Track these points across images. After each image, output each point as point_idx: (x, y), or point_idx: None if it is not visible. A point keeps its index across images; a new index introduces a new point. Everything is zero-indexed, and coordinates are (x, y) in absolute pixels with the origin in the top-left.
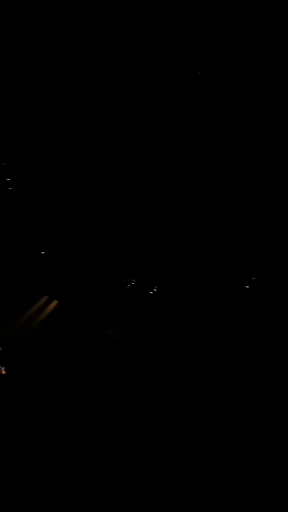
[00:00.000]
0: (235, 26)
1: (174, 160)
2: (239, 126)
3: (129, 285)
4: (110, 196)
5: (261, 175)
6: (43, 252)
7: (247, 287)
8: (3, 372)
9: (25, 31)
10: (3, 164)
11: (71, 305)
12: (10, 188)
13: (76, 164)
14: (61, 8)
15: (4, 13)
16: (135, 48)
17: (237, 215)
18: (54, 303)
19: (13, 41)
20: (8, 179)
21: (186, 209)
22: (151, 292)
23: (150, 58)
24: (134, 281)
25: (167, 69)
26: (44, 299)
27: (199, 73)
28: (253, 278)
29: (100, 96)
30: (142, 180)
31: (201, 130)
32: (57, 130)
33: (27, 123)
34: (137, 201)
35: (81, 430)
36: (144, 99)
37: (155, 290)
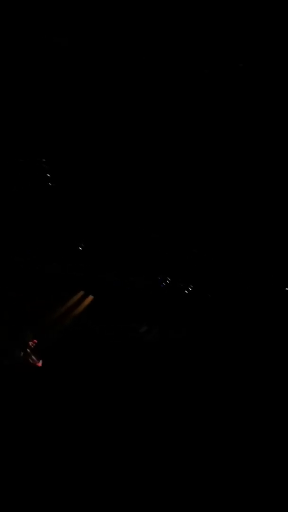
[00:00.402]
0: (235, 26)
1: (174, 160)
2: (239, 126)
3: (164, 283)
4: (111, 195)
5: (262, 175)
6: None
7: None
8: (39, 364)
9: (25, 31)
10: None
11: (105, 302)
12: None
13: (75, 164)
14: (61, 8)
15: (4, 13)
16: (135, 48)
17: (237, 215)
18: (90, 298)
19: (13, 41)
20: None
21: (187, 209)
22: (186, 291)
23: (150, 58)
24: (168, 280)
25: (167, 69)
26: (79, 294)
27: (201, 73)
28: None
29: (100, 96)
30: (143, 180)
31: (201, 130)
32: (57, 129)
33: (27, 122)
34: (137, 201)
35: (108, 427)
36: (144, 99)
37: (190, 289)
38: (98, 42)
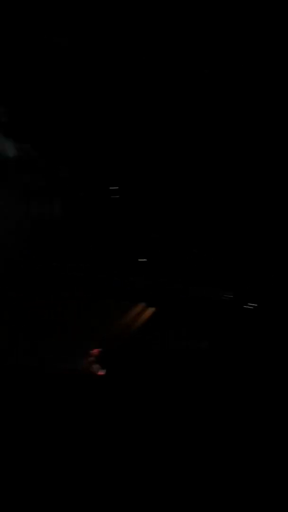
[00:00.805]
0: (235, 26)
1: (174, 160)
2: (239, 126)
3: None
4: (111, 195)
5: (262, 174)
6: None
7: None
8: (101, 373)
9: (25, 31)
10: None
11: (165, 315)
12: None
13: (75, 162)
14: (61, 8)
15: (4, 13)
16: (135, 48)
17: (237, 215)
18: (151, 311)
19: (13, 41)
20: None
21: (187, 209)
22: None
23: (150, 58)
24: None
25: (167, 69)
26: (140, 306)
27: (203, 72)
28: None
29: (100, 96)
30: (143, 180)
31: (201, 129)
32: (57, 129)
33: (27, 122)
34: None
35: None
36: (144, 99)
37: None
38: (98, 42)
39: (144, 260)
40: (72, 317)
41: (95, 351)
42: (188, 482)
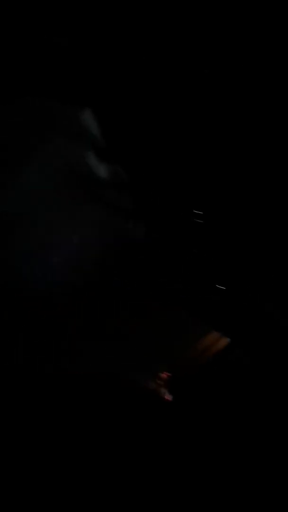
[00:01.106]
0: (235, 26)
1: (174, 160)
2: (239, 126)
3: None
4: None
5: (262, 176)
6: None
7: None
8: (168, 398)
9: (25, 31)
10: None
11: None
12: None
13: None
14: (61, 8)
15: (3, 13)
16: (135, 48)
17: (238, 215)
18: (225, 341)
19: (12, 41)
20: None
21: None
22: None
23: (150, 58)
24: None
25: (167, 69)
26: (214, 335)
27: (201, 73)
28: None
29: (100, 96)
30: (142, 180)
31: (201, 130)
32: (56, 128)
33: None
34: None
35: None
36: (144, 99)
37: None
38: (98, 42)
39: (223, 288)
40: (147, 335)
41: (165, 375)
42: None
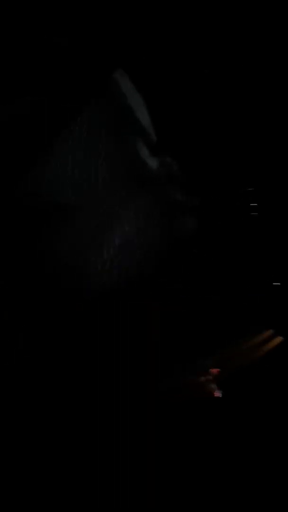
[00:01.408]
0: (235, 26)
1: (173, 160)
2: (239, 126)
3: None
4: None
5: (262, 176)
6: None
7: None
8: (217, 394)
9: (25, 31)
10: None
11: None
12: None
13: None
14: (61, 8)
15: (3, 12)
16: (135, 48)
17: (238, 215)
18: (279, 339)
19: (12, 41)
20: None
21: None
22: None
23: (150, 58)
24: None
25: (167, 69)
26: (267, 333)
27: (201, 73)
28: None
29: (100, 96)
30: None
31: (201, 130)
32: (56, 128)
33: (26, 122)
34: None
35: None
36: (143, 99)
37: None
38: (98, 42)
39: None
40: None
41: (215, 370)
42: None
